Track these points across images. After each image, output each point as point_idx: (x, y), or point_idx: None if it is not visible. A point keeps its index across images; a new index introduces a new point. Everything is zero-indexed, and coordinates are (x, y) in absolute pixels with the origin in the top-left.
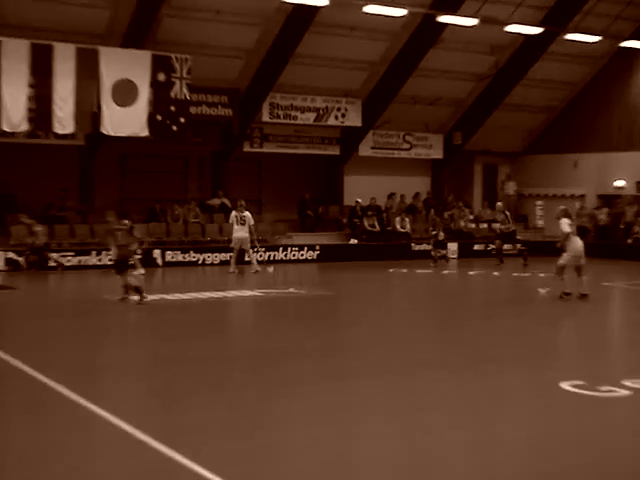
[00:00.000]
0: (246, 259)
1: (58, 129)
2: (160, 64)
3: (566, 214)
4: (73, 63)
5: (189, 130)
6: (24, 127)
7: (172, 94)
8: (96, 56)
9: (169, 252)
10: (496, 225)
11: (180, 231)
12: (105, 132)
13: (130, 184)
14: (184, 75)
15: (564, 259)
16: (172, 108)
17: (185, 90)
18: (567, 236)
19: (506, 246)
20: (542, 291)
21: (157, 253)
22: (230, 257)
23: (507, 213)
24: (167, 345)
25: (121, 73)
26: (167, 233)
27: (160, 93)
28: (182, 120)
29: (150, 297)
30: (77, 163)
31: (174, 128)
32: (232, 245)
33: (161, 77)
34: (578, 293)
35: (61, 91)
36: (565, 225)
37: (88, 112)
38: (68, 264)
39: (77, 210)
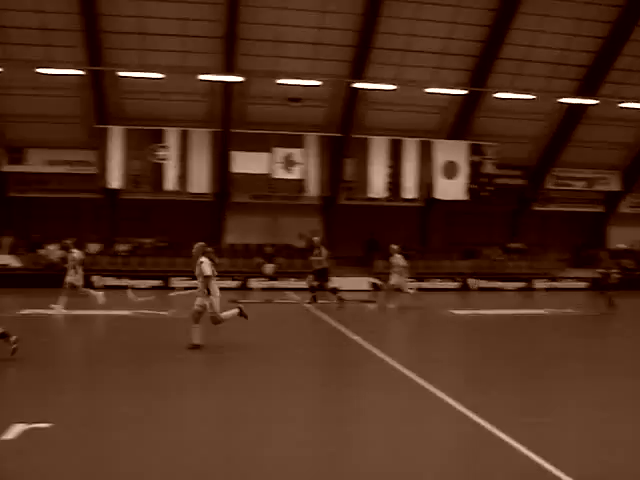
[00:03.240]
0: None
1: (405, 195)
2: (475, 150)
3: (206, 253)
4: (415, 151)
5: (494, 195)
6: (384, 194)
7: (483, 170)
8: (431, 145)
9: (482, 280)
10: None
11: (487, 265)
12: (437, 197)
13: (454, 232)
14: (491, 157)
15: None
16: (482, 180)
17: (492, 167)
18: (209, 278)
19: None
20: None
21: (472, 282)
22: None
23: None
24: (483, 345)
25: (448, 156)
26: (479, 267)
27: (474, 170)
28: (490, 188)
29: (464, 312)
30: (417, 218)
31: (484, 194)
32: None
33: (475, 158)
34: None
35: (408, 170)
36: (206, 267)
37: (425, 183)
38: (410, 285)
39: (417, 250)
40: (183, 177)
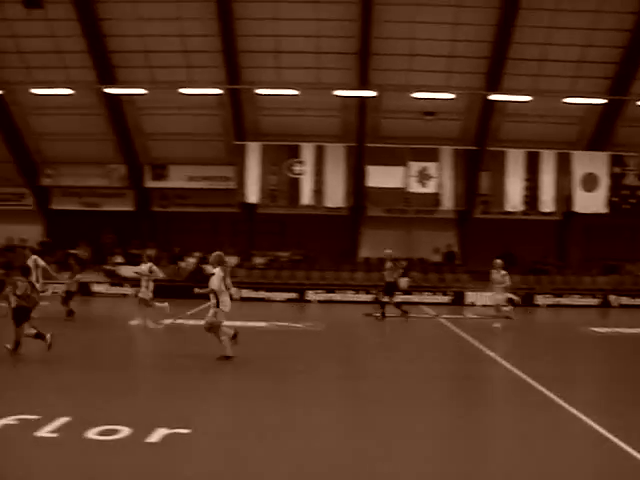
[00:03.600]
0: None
1: (543, 208)
2: (616, 161)
3: (222, 263)
4: (553, 163)
5: (637, 208)
6: (520, 207)
7: (624, 182)
8: (569, 157)
9: (624, 297)
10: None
11: (630, 281)
12: (576, 210)
13: (593, 246)
14: (634, 168)
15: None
16: (624, 192)
17: (634, 179)
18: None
19: None
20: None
21: (612, 298)
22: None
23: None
24: (624, 364)
25: (587, 168)
26: (621, 283)
27: (615, 182)
28: (632, 201)
29: (604, 330)
30: (554, 232)
31: (626, 207)
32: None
33: (616, 170)
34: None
35: (545, 183)
36: (216, 280)
37: (563, 196)
38: (547, 302)
39: (555, 265)
40: (319, 191)
